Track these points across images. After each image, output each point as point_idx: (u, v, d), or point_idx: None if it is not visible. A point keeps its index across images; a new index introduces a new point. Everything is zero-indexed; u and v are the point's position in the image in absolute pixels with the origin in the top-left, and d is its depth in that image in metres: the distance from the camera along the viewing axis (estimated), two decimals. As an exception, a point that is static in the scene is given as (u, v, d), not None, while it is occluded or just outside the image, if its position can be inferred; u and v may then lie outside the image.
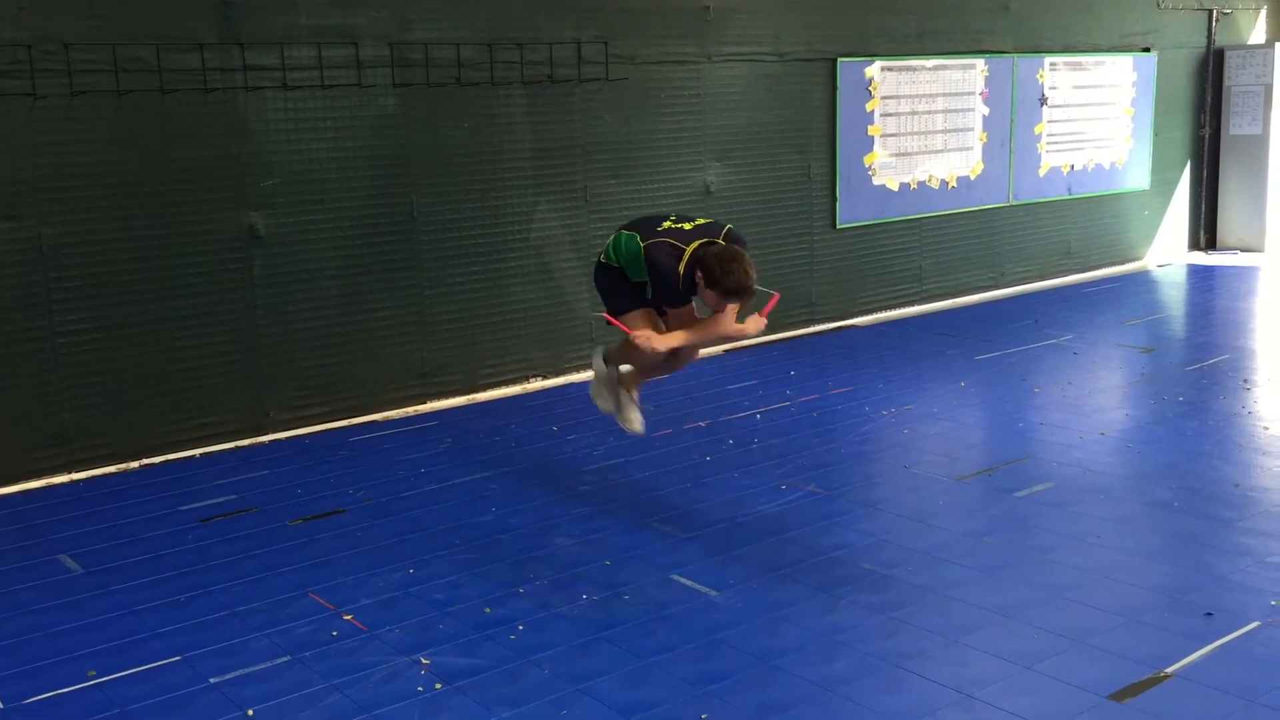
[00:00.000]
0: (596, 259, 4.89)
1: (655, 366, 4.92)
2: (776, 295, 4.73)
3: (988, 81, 9.24)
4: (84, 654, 3.89)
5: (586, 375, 7.30)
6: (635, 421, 5.04)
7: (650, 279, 4.60)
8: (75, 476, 5.68)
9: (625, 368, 5.02)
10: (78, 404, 5.69)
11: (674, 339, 4.58)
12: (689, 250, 4.48)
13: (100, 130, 5.60)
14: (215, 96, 5.87)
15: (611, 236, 4.81)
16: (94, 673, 3.75)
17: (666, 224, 4.63)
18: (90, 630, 4.06)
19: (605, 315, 4.73)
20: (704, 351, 7.65)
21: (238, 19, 5.88)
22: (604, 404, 5.11)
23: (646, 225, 4.68)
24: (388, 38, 6.36)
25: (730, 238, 4.60)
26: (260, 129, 6.03)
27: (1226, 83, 11.04)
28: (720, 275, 4.38)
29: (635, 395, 5.08)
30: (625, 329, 4.62)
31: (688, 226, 4.60)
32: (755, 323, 4.55)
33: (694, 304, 4.61)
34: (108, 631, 4.05)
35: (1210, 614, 3.93)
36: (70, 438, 5.68)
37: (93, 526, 5.04)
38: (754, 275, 4.43)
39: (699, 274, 4.43)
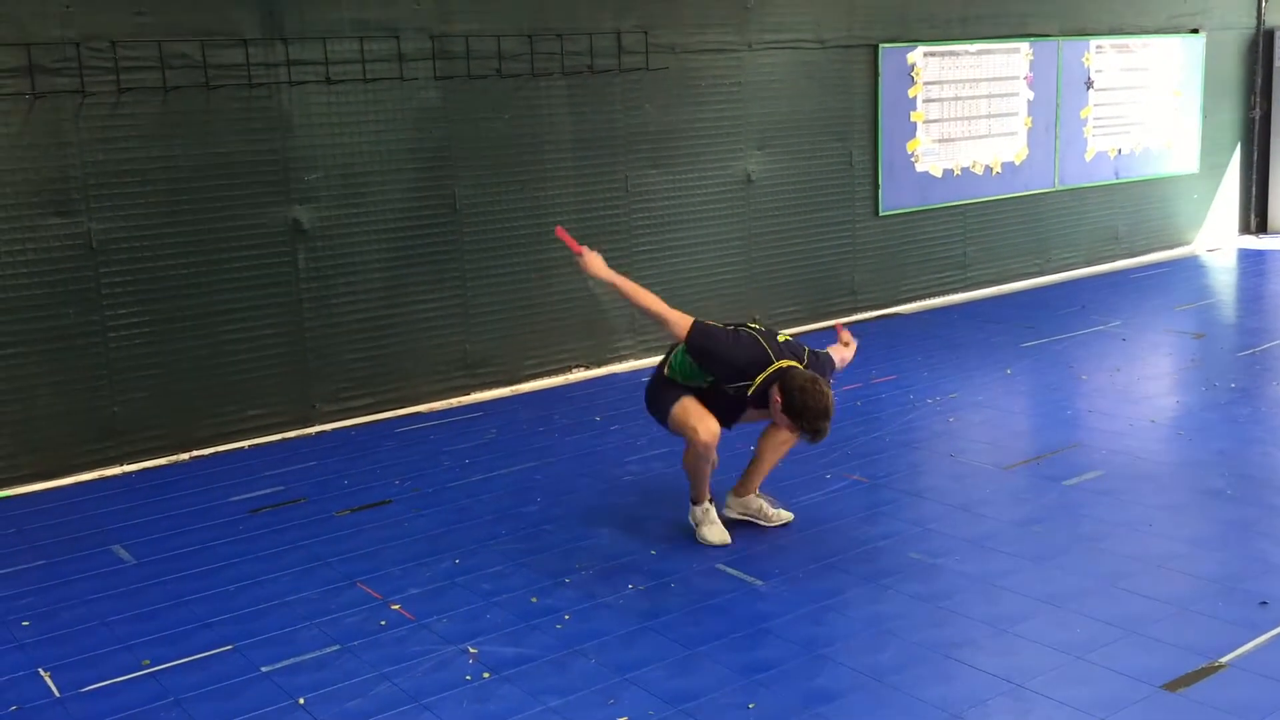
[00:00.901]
0: (658, 374, 4.68)
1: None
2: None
3: (1032, 65, 9.13)
4: (138, 643, 3.94)
5: (628, 365, 7.31)
6: (715, 534, 4.63)
7: (715, 364, 4.42)
8: (127, 468, 5.76)
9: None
10: (129, 397, 5.77)
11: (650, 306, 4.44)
12: (774, 366, 4.37)
13: (147, 126, 5.66)
14: (259, 92, 5.92)
15: (674, 350, 4.63)
16: (148, 662, 3.81)
17: (753, 325, 4.60)
18: (143, 620, 4.12)
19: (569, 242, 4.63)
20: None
21: (281, 14, 5.93)
22: (718, 535, 4.63)
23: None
24: (429, 30, 6.38)
25: (814, 362, 4.52)
26: (304, 123, 6.07)
27: (1277, 64, 10.84)
28: (799, 409, 4.25)
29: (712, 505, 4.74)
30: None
31: (779, 338, 4.51)
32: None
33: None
34: (160, 621, 4.11)
35: (1265, 603, 3.87)
36: (122, 430, 5.76)
37: (145, 518, 5.11)
38: (829, 422, 4.30)
39: (777, 393, 4.31)
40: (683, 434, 4.52)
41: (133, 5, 5.55)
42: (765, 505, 4.74)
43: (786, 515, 4.76)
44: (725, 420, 4.57)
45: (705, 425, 4.44)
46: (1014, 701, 3.37)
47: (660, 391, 4.65)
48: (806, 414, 4.26)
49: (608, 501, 5.07)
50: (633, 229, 7.24)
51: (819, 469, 5.33)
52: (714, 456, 4.60)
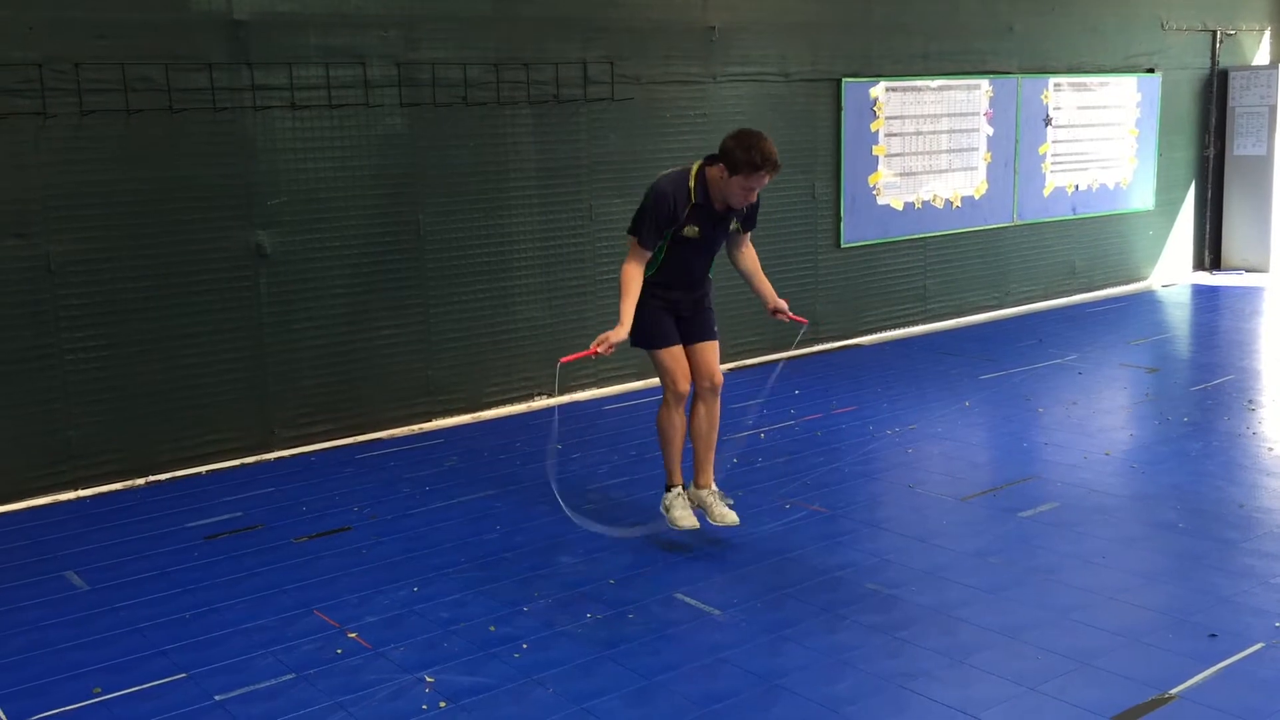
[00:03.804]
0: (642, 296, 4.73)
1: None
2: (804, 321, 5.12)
3: (992, 102, 9.27)
4: (90, 671, 3.89)
5: (589, 394, 7.33)
6: (685, 520, 4.82)
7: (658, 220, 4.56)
8: (82, 493, 5.70)
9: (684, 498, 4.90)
10: (85, 421, 5.71)
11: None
12: (694, 168, 4.56)
13: (109, 149, 5.64)
14: (224, 116, 5.91)
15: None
16: (99, 690, 3.76)
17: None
18: (96, 647, 4.07)
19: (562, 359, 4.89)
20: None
21: (247, 39, 5.93)
22: (687, 520, 4.82)
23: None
24: (395, 58, 6.40)
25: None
26: (268, 148, 6.07)
27: (1230, 103, 11.08)
28: (743, 151, 4.35)
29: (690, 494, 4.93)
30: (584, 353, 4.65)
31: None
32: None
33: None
34: (113, 648, 4.06)
35: (1215, 635, 3.93)
36: (77, 455, 5.70)
37: (99, 543, 5.05)
38: (773, 147, 4.38)
39: (721, 168, 4.42)
40: (660, 378, 4.79)
41: (96, 28, 5.54)
42: (714, 502, 4.87)
43: (731, 517, 4.84)
44: (707, 252, 4.72)
45: (682, 379, 4.72)
46: (968, 733, 3.40)
47: (647, 318, 4.71)
48: (754, 149, 4.32)
49: (567, 530, 5.07)
50: (596, 256, 7.27)
51: (779, 499, 5.36)
52: (683, 419, 4.82)
